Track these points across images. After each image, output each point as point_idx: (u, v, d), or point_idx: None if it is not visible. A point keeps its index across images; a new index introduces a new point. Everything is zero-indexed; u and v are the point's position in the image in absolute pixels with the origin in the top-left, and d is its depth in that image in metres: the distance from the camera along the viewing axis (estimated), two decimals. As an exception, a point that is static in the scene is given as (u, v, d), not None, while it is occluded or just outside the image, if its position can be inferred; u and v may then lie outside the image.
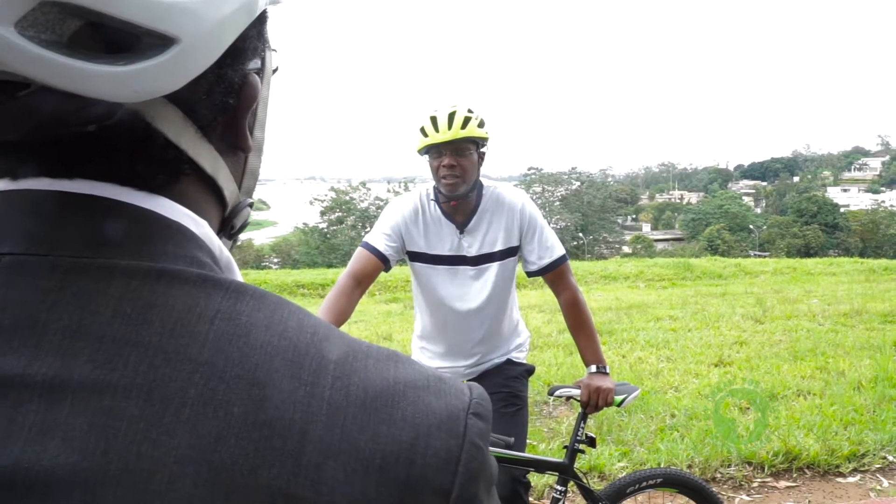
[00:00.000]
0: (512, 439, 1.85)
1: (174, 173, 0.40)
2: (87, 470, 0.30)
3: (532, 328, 6.58)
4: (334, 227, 40.08)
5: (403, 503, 0.35)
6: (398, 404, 0.37)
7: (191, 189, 0.42)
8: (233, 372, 0.34)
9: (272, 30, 0.47)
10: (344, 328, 2.28)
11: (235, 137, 0.44)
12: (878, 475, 3.44)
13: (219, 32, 0.37)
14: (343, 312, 1.97)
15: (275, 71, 0.50)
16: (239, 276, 0.43)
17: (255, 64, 0.44)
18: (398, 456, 0.35)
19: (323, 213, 41.13)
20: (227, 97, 0.42)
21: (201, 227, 0.41)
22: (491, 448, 1.83)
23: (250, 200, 0.49)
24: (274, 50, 0.49)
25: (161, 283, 0.36)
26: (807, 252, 44.68)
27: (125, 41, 0.33)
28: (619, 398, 2.08)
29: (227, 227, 0.47)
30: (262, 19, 0.43)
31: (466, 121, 2.00)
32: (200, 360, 0.34)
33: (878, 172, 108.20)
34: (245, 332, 0.35)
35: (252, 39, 0.42)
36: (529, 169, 58.75)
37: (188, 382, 0.33)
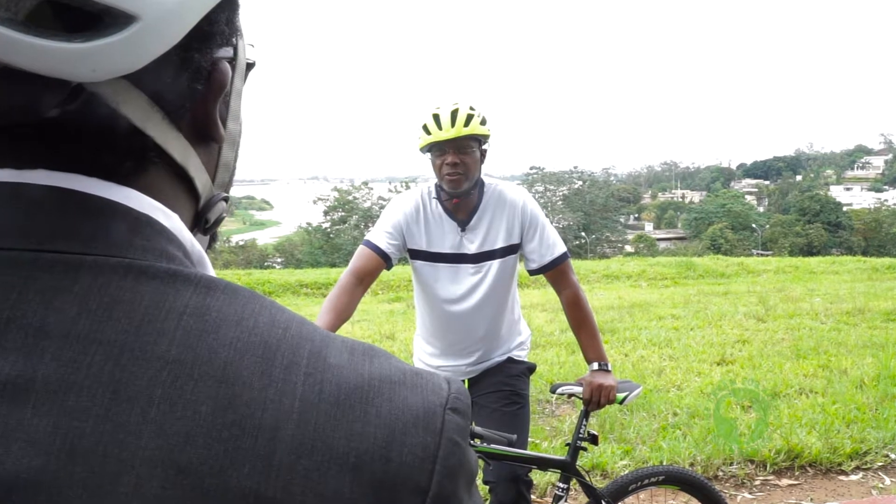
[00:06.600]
0: (514, 437, 1.85)
1: (141, 161, 0.39)
2: (53, 472, 0.29)
3: (534, 327, 6.58)
4: (337, 227, 40.17)
5: (380, 502, 0.34)
6: (373, 401, 0.35)
7: (159, 180, 0.41)
8: (201, 370, 0.33)
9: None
10: (346, 327, 2.29)
11: (205, 126, 0.43)
12: (880, 473, 3.44)
13: (180, 12, 0.36)
14: (345, 310, 1.97)
15: (252, 65, 0.48)
16: (211, 271, 0.42)
17: (226, 52, 0.43)
18: (373, 454, 0.34)
19: (326, 213, 41.22)
20: (194, 82, 0.40)
21: (171, 220, 0.39)
22: (493, 446, 1.85)
23: (225, 194, 0.48)
24: (251, 44, 0.48)
25: (128, 279, 0.34)
26: (809, 251, 44.54)
27: (83, 20, 0.32)
28: (621, 396, 2.08)
29: (202, 221, 0.46)
30: (232, 6, 0.42)
31: (469, 118, 2.01)
32: (168, 357, 0.32)
33: (881, 171, 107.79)
34: (214, 329, 0.34)
35: (220, 24, 0.41)
36: (531, 168, 58.79)
37: (155, 381, 0.32)
